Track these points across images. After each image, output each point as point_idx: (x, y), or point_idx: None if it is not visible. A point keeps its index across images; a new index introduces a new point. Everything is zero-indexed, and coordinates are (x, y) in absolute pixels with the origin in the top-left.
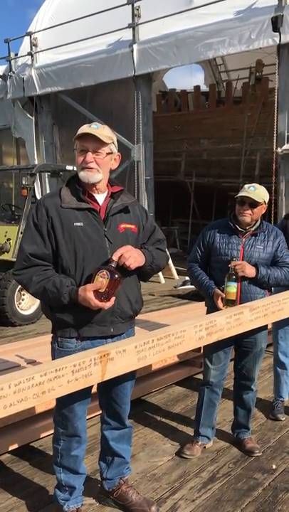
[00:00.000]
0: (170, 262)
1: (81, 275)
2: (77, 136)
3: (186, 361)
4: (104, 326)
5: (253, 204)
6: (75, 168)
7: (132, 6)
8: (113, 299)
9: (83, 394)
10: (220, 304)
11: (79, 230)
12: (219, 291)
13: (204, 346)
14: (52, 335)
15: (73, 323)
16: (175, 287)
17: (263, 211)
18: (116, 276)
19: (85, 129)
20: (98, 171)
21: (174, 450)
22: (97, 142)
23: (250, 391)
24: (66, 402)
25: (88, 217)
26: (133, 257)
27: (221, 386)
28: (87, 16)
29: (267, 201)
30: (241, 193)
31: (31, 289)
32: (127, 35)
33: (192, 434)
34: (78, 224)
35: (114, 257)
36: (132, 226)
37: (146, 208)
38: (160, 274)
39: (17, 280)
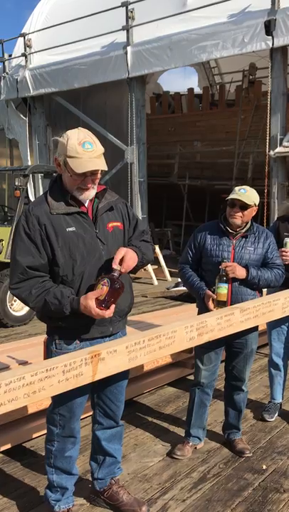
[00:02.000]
0: (163, 263)
1: (79, 280)
2: (80, 173)
3: (178, 362)
4: (104, 326)
5: (244, 206)
6: None
7: (127, 8)
8: (113, 307)
9: (83, 394)
10: (211, 305)
11: (72, 234)
12: (210, 293)
13: (195, 347)
14: (47, 337)
15: (73, 326)
16: (168, 289)
17: (254, 213)
18: (116, 285)
19: (89, 166)
20: (94, 188)
21: (165, 451)
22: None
23: (241, 392)
24: (65, 402)
25: (79, 220)
26: (132, 260)
27: (212, 387)
28: (81, 18)
29: (257, 203)
30: (232, 196)
31: (31, 303)
32: (121, 37)
33: (183, 434)
34: (71, 229)
35: (115, 265)
36: (118, 223)
37: (139, 209)
38: (153, 275)
39: (15, 294)
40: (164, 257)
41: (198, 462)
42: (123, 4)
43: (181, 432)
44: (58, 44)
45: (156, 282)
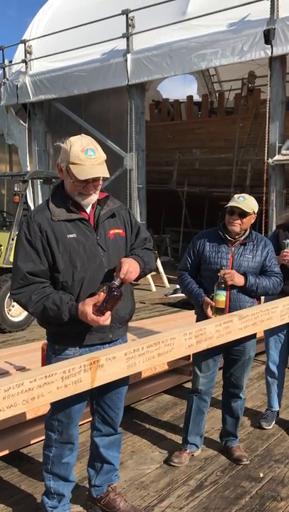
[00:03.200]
0: (161, 270)
1: (79, 286)
2: (83, 180)
3: (175, 369)
4: (103, 333)
5: (243, 214)
6: None
7: (127, 16)
8: (108, 314)
9: (82, 401)
10: (209, 312)
11: (73, 241)
12: (208, 300)
13: (193, 354)
14: (46, 342)
15: (73, 332)
16: (166, 295)
17: (252, 221)
18: (115, 292)
19: (92, 173)
20: (96, 193)
21: (162, 458)
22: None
23: (239, 399)
24: (64, 408)
25: (80, 227)
26: (135, 271)
27: (210, 394)
28: (81, 25)
29: (256, 211)
30: (231, 203)
31: (30, 308)
32: (121, 44)
33: (180, 442)
34: (71, 236)
35: (121, 274)
36: (120, 230)
37: (138, 215)
38: (151, 282)
39: (15, 300)
40: (162, 263)
41: (196, 470)
42: (123, 12)
43: (178, 439)
44: (58, 51)
45: (154, 289)
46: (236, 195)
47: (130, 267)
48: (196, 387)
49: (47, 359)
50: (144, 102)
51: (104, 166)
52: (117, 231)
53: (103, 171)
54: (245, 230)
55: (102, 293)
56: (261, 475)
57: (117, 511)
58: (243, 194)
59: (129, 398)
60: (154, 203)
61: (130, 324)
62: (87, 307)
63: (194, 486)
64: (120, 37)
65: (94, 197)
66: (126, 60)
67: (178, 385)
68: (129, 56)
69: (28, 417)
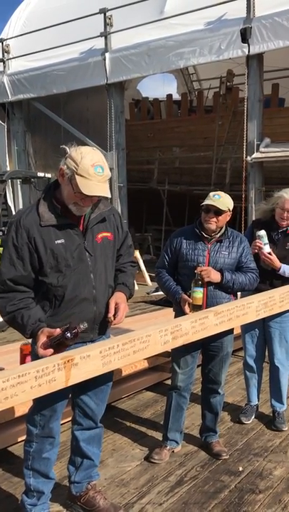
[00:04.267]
0: (143, 268)
1: (64, 289)
2: (86, 196)
3: (156, 367)
4: (84, 333)
5: (218, 212)
6: (46, 175)
7: (104, 15)
8: (49, 352)
9: (64, 395)
10: (187, 309)
11: (60, 247)
12: (186, 297)
13: (172, 351)
14: (25, 343)
15: None
16: (148, 293)
17: (228, 218)
18: (63, 340)
19: (97, 191)
20: (90, 206)
21: (143, 455)
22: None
23: (218, 395)
24: (46, 402)
25: (68, 232)
26: (124, 311)
27: (189, 390)
28: (59, 24)
29: (231, 209)
30: (206, 201)
31: (3, 317)
32: (100, 43)
33: (161, 439)
34: (59, 241)
35: (116, 322)
36: (108, 234)
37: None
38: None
39: None
40: (144, 261)
41: (176, 466)
42: (101, 11)
43: (159, 436)
44: (37, 50)
45: (136, 287)
46: (212, 193)
47: (123, 312)
48: (175, 383)
49: (32, 355)
50: (123, 101)
51: (107, 185)
52: (105, 234)
53: (107, 191)
54: (221, 228)
55: (58, 329)
56: (240, 469)
57: (96, 509)
58: (218, 192)
59: (110, 396)
60: (136, 202)
61: None
62: (42, 336)
63: (174, 482)
64: (98, 36)
65: (87, 209)
66: (104, 59)
67: (159, 382)
68: (107, 55)
69: (17, 414)
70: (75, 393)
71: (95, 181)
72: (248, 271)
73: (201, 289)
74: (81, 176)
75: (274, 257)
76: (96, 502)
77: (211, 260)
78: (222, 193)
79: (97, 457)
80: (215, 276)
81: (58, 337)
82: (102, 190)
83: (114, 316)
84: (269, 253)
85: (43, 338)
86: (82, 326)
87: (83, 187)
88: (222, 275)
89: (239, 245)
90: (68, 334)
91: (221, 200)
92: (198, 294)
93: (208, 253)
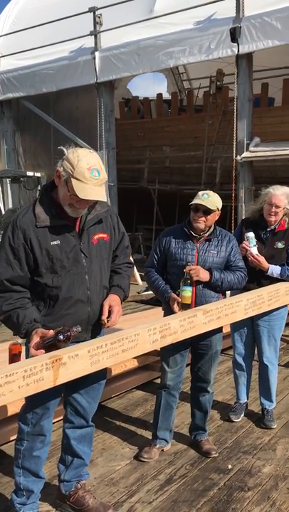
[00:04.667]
0: (134, 267)
1: (59, 290)
2: (82, 199)
3: (146, 366)
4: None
5: (207, 211)
6: (36, 174)
7: (94, 13)
8: (40, 352)
9: (56, 393)
10: (176, 308)
11: (56, 248)
12: (175, 296)
13: (161, 349)
14: (14, 343)
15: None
16: (138, 293)
17: (217, 217)
18: (55, 341)
19: (93, 195)
20: (85, 208)
21: (133, 454)
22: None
23: (207, 393)
24: (39, 400)
25: (64, 234)
26: (118, 314)
27: (178, 389)
28: (48, 23)
29: (220, 208)
30: (195, 201)
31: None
32: (89, 42)
33: (151, 437)
34: (55, 242)
35: (109, 324)
36: (105, 235)
37: None
38: None
39: None
40: (135, 261)
41: (165, 464)
42: (90, 10)
43: (149, 435)
44: (26, 48)
45: None
46: (200, 192)
47: (117, 315)
48: (164, 382)
49: (26, 353)
50: (113, 100)
51: (104, 188)
52: (101, 235)
53: (102, 195)
54: (210, 227)
55: (52, 331)
56: (229, 466)
57: (86, 508)
58: (207, 191)
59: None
60: (126, 201)
61: None
62: (36, 336)
63: (164, 480)
64: (88, 35)
65: (83, 212)
66: (94, 58)
67: (149, 381)
68: (97, 54)
69: (8, 413)
70: (67, 391)
71: (91, 185)
72: (236, 270)
73: (190, 288)
74: (77, 179)
75: (262, 259)
76: (85, 501)
77: (199, 259)
78: (211, 192)
79: (87, 456)
80: (204, 275)
81: (51, 338)
82: (98, 194)
83: (107, 318)
84: (257, 254)
85: (36, 339)
86: (75, 330)
87: (79, 190)
88: (211, 274)
89: (228, 244)
90: (61, 336)
91: (210, 199)
92: (187, 292)
93: (197, 252)
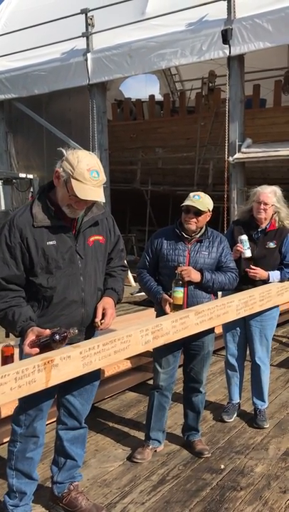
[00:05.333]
0: (128, 271)
1: (54, 291)
2: (81, 199)
3: (139, 367)
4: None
5: (198, 212)
6: (28, 176)
7: (86, 15)
8: (35, 351)
9: (50, 394)
10: (167, 309)
11: (52, 248)
12: (166, 297)
13: (154, 350)
14: (6, 345)
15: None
16: (132, 294)
17: (208, 219)
18: (51, 342)
19: (92, 195)
20: (83, 209)
21: (126, 455)
22: None
23: (199, 393)
24: (32, 402)
25: (60, 234)
26: (112, 317)
27: (171, 390)
28: (40, 24)
29: (211, 209)
30: (186, 202)
31: None
32: (81, 44)
33: (144, 438)
34: (51, 243)
35: (103, 326)
36: (100, 237)
37: None
38: None
39: None
40: (128, 262)
41: (158, 465)
42: (82, 11)
43: (142, 436)
44: (18, 50)
45: None
46: (191, 194)
47: (110, 318)
48: (156, 383)
49: (20, 354)
50: (105, 102)
51: (102, 189)
52: (97, 238)
53: (102, 196)
54: (201, 228)
55: (48, 331)
56: (222, 466)
57: (78, 510)
58: (198, 192)
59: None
60: (119, 203)
61: None
62: (31, 334)
63: (156, 481)
64: (80, 36)
65: (81, 212)
66: (86, 60)
67: (142, 383)
68: (89, 55)
69: (3, 415)
70: (60, 393)
71: (90, 185)
72: (227, 270)
73: (182, 289)
74: (77, 179)
75: (259, 270)
76: (78, 503)
77: (191, 260)
78: (202, 194)
79: (80, 458)
80: (195, 276)
81: (47, 338)
82: (97, 194)
83: (100, 321)
84: (250, 258)
85: (31, 336)
86: (71, 331)
87: (78, 191)
88: (202, 275)
89: (219, 245)
90: (57, 336)
91: (201, 200)
92: (179, 293)
93: (188, 253)
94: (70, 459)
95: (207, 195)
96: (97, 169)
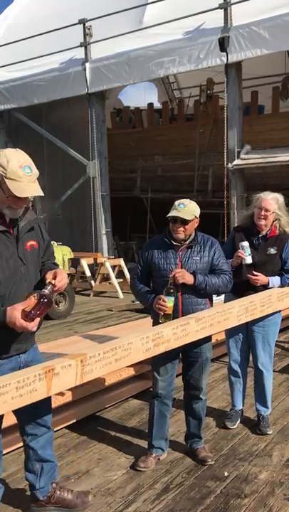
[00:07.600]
0: (128, 276)
1: (3, 300)
2: (18, 196)
3: (141, 374)
4: (19, 343)
5: (185, 221)
6: None
7: (84, 25)
8: (37, 320)
9: None
10: (159, 309)
11: None
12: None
13: (151, 358)
14: None
15: None
16: (133, 302)
17: (196, 225)
18: (46, 299)
19: (29, 191)
20: (23, 207)
21: (129, 463)
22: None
23: (200, 400)
24: None
25: (3, 239)
26: (64, 281)
27: (171, 397)
28: (39, 35)
29: (198, 215)
30: (172, 213)
31: None
32: (80, 53)
33: (147, 446)
34: None
35: (57, 282)
36: (34, 242)
37: (102, 223)
38: (118, 288)
39: None
40: (129, 270)
41: (162, 473)
42: (80, 21)
43: (145, 444)
44: (17, 61)
45: (121, 295)
46: (177, 202)
47: (64, 278)
48: (156, 391)
49: None
50: (104, 110)
51: (38, 184)
52: (32, 243)
53: (38, 190)
54: (190, 234)
55: (32, 298)
56: (226, 474)
57: (67, 503)
58: (183, 200)
59: (94, 406)
60: (119, 210)
61: (95, 332)
62: (16, 312)
63: (160, 490)
64: (78, 46)
65: (21, 211)
66: (85, 69)
67: (144, 390)
68: (87, 65)
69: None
70: (19, 416)
71: (26, 182)
72: (220, 273)
73: (172, 298)
74: (11, 179)
75: (260, 276)
76: (65, 496)
77: (183, 267)
78: (187, 201)
79: (54, 457)
80: (189, 278)
81: (36, 305)
82: (34, 189)
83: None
84: (251, 264)
85: (17, 314)
86: (46, 290)
87: (15, 189)
88: (195, 277)
89: (210, 249)
90: (46, 299)
91: (186, 209)
92: (170, 303)
93: (179, 260)
94: (46, 462)
95: (193, 202)
96: (29, 164)
